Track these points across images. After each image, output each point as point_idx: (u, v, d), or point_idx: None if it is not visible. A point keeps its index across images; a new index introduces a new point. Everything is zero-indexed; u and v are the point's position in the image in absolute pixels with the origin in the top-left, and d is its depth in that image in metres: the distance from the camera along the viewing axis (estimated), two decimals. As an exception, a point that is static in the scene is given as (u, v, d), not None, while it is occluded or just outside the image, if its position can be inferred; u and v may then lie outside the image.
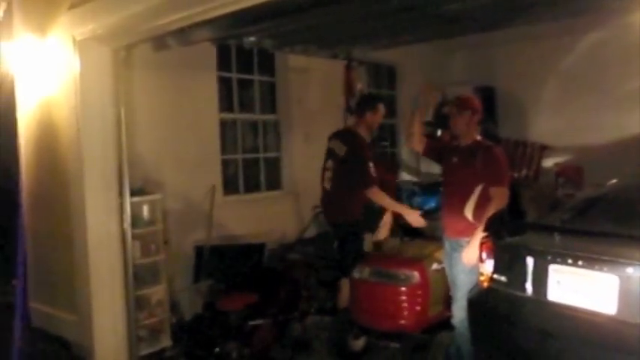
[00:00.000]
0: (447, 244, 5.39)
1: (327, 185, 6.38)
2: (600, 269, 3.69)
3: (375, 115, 6.34)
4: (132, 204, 5.83)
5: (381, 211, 6.33)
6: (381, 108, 6.42)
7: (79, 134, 5.54)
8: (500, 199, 4.98)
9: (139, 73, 6.43)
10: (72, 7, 5.44)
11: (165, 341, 6.25)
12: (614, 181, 4.99)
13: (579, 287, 3.81)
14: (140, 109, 6.42)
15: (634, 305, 3.54)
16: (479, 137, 5.32)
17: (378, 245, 6.63)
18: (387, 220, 6.42)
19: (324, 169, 6.44)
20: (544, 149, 9.58)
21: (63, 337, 6.06)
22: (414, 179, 9.82)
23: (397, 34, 7.19)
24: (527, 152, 9.64)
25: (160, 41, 5.98)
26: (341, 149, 6.22)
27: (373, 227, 6.47)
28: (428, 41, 8.26)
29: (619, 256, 3.67)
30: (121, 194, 5.75)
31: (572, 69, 9.30)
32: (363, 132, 6.31)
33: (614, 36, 8.38)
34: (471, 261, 4.90)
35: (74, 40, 5.45)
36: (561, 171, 9.20)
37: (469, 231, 5.01)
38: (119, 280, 5.77)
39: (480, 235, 4.83)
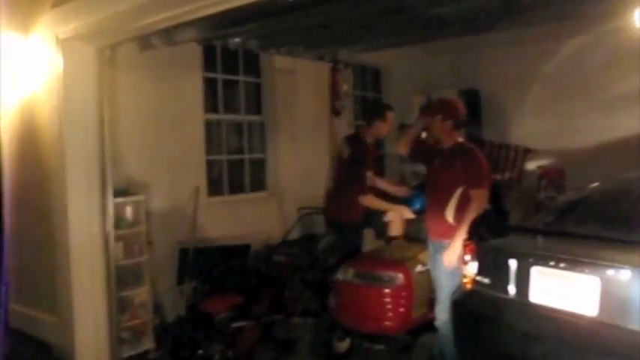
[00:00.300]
0: (430, 246, 5.39)
1: (330, 185, 6.62)
2: (582, 271, 3.72)
3: (383, 124, 6.39)
4: (115, 205, 5.84)
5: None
6: (390, 116, 6.44)
7: (62, 133, 5.52)
8: (479, 201, 5.00)
9: (124, 73, 6.36)
10: (55, 5, 5.41)
11: (148, 343, 6.21)
12: (595, 184, 5.00)
13: (561, 289, 3.83)
14: (125, 109, 6.38)
15: (615, 307, 3.57)
16: (460, 139, 5.33)
17: (393, 239, 6.61)
18: (395, 216, 6.40)
19: (332, 168, 6.70)
20: (527, 152, 9.59)
21: (44, 339, 6.01)
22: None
23: (383, 37, 7.18)
24: (511, 155, 9.67)
25: (145, 41, 5.93)
26: (345, 152, 6.36)
27: (375, 225, 6.56)
28: (413, 44, 8.28)
29: (600, 259, 3.70)
30: (103, 195, 5.71)
31: (556, 73, 9.32)
32: (370, 139, 6.39)
33: (597, 41, 8.40)
34: (452, 263, 4.94)
35: (57, 39, 5.42)
36: (544, 174, 9.26)
37: (450, 233, 5.03)
38: (101, 281, 5.75)
39: (460, 237, 4.89)
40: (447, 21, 6.14)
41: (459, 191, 5.08)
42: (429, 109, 5.45)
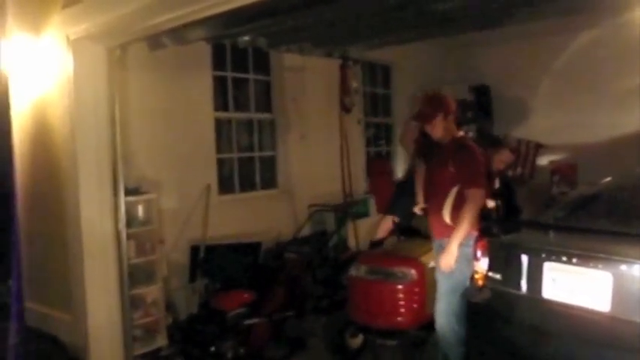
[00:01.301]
0: (433, 244, 5.35)
1: None
2: (594, 267, 3.71)
3: None
4: (127, 203, 5.91)
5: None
6: None
7: (73, 133, 5.58)
8: (475, 201, 4.86)
9: (134, 72, 6.45)
10: (66, 6, 5.47)
11: (161, 341, 6.32)
12: (608, 179, 4.99)
13: (574, 284, 3.82)
14: (136, 109, 6.46)
15: (627, 302, 3.57)
16: (460, 134, 5.23)
17: (376, 244, 6.68)
18: (385, 222, 6.56)
19: None
20: (539, 147, 9.75)
21: (58, 336, 6.07)
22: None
23: (392, 33, 7.15)
24: (523, 150, 9.80)
25: (154, 40, 5.93)
26: None
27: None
28: (422, 40, 8.24)
29: (613, 254, 3.69)
30: (115, 194, 5.78)
31: (567, 67, 9.46)
32: None
33: (608, 34, 8.54)
34: (447, 266, 4.86)
35: (68, 39, 5.48)
36: (556, 169, 9.42)
37: (450, 232, 4.93)
38: (114, 279, 5.83)
39: (456, 240, 4.80)
40: (456, 16, 6.13)
41: (454, 190, 4.96)
42: (425, 114, 5.18)
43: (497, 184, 7.21)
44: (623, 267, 3.59)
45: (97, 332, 5.73)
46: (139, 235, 6.12)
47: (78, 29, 5.39)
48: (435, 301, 5.14)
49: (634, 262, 3.56)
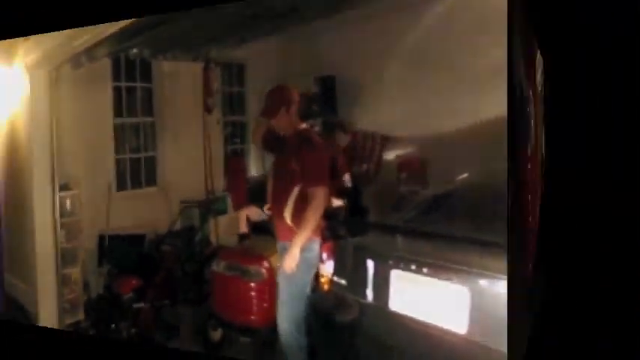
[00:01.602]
0: (278, 246, 5.72)
1: None
2: (448, 279, 3.93)
3: None
4: (60, 198, 7.71)
5: None
6: None
7: (30, 142, 7.80)
8: (318, 201, 5.25)
9: (63, 89, 8.44)
10: (26, 39, 7.36)
11: (80, 315, 7.95)
12: (464, 175, 5.06)
13: (424, 298, 4.06)
14: (65, 119, 8.55)
15: (487, 325, 3.69)
16: (303, 125, 5.70)
17: (244, 237, 7.09)
18: (241, 216, 7.77)
19: None
20: (385, 140, 9.16)
21: (24, 305, 7.94)
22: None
23: (244, 31, 8.45)
24: (367, 144, 9.23)
25: (76, 61, 7.78)
26: None
27: None
28: (272, 35, 9.15)
29: (471, 265, 3.84)
30: (53, 189, 7.62)
31: (417, 47, 8.11)
32: None
33: (464, 4, 8.09)
34: (290, 269, 5.29)
35: (26, 66, 7.42)
36: (403, 164, 8.68)
37: (292, 235, 5.30)
38: (52, 260, 7.81)
39: (298, 244, 5.20)
40: (295, 6, 7.01)
41: (296, 189, 5.41)
42: (268, 109, 5.77)
43: (348, 181, 7.72)
44: (483, 282, 3.72)
45: (44, 302, 7.59)
46: (67, 224, 7.86)
47: (31, 57, 7.31)
48: (277, 306, 5.55)
49: (496, 277, 3.61)
